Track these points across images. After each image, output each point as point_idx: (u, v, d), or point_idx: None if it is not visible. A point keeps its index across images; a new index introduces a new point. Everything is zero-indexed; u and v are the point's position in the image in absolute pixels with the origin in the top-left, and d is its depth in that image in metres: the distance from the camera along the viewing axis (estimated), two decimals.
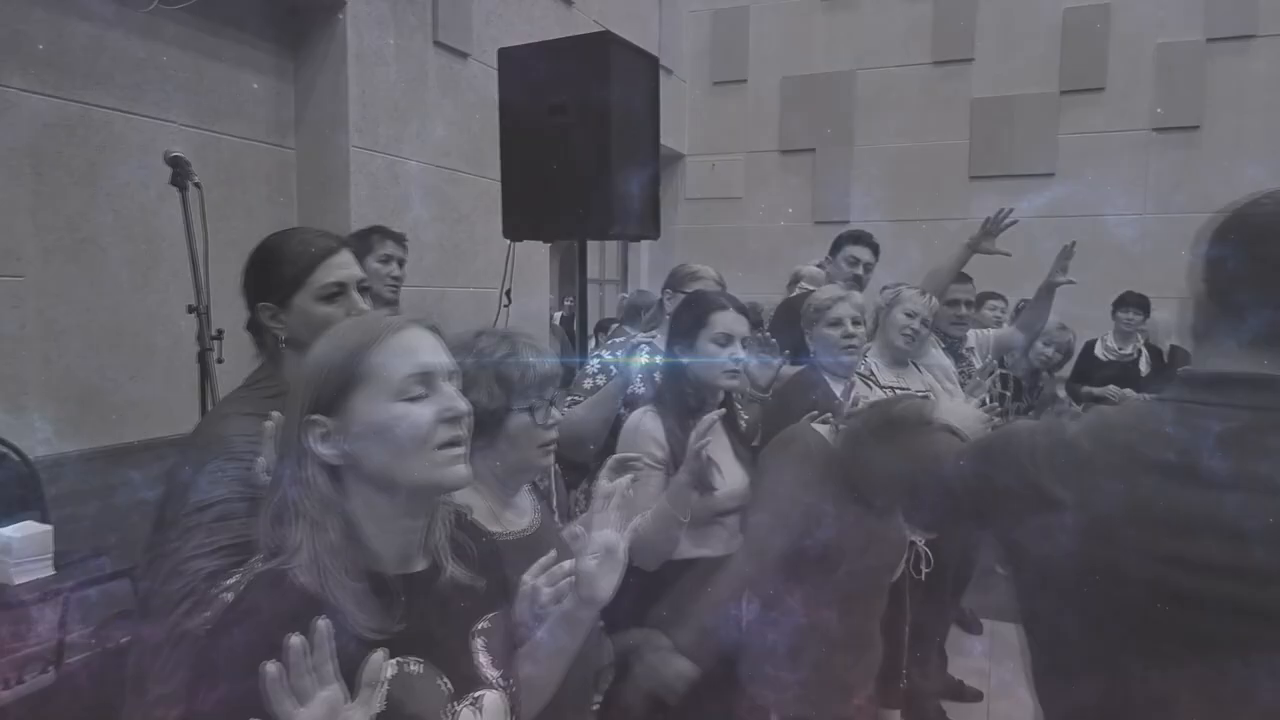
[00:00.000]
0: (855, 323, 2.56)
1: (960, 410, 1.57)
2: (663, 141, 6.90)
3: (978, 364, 3.47)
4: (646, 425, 2.02)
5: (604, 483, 1.47)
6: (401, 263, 3.00)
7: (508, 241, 3.08)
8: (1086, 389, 4.94)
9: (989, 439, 1.20)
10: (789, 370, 2.67)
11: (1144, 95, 6.26)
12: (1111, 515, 0.96)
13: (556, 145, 2.90)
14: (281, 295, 1.48)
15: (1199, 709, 0.96)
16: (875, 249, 3.66)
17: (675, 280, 2.75)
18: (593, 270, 6.55)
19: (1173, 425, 0.96)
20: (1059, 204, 6.36)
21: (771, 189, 7.15)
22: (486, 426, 1.39)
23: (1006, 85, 6.55)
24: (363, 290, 1.54)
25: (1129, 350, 5.00)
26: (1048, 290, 3.52)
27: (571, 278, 3.32)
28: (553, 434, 1.45)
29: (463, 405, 1.02)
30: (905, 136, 6.79)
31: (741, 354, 2.04)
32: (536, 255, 4.70)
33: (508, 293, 3.16)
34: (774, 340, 2.68)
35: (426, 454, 0.98)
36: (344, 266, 1.50)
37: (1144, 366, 4.96)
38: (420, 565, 1.05)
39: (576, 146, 2.86)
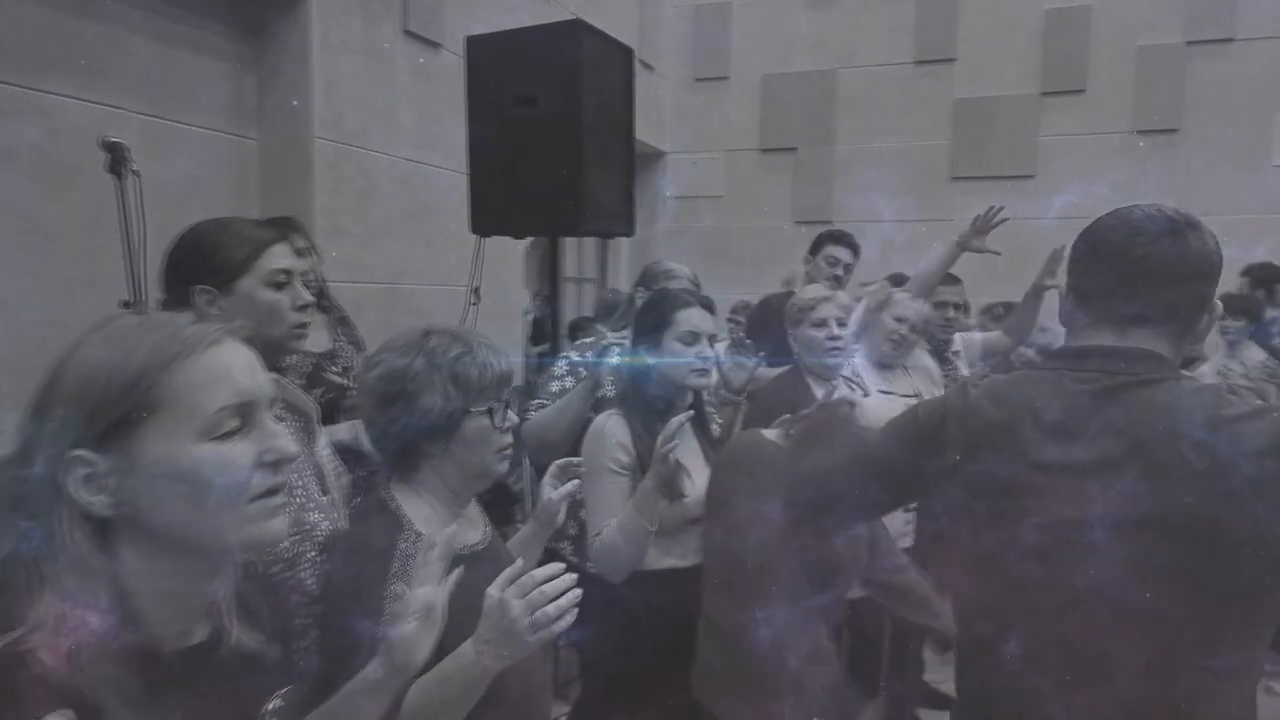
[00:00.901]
0: (840, 324, 2.50)
1: (885, 409, 1.55)
2: (644, 139, 6.83)
3: (964, 368, 3.41)
4: (611, 429, 1.94)
5: (549, 490, 1.38)
6: (306, 256, 2.59)
7: (477, 237, 2.99)
8: None
9: (900, 419, 1.33)
10: (766, 372, 2.61)
11: (1124, 98, 6.24)
12: (1007, 462, 1.18)
13: (527, 137, 2.81)
14: (223, 279, 1.38)
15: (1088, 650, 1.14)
16: (855, 249, 3.60)
17: (647, 278, 2.67)
18: (571, 268, 6.46)
19: (1049, 388, 1.21)
20: (1040, 206, 6.34)
21: (753, 188, 7.07)
22: (441, 431, 1.31)
23: (988, 86, 6.51)
24: (306, 286, 1.45)
25: None
26: (1036, 293, 3.47)
27: (550, 276, 3.22)
28: (509, 438, 1.37)
29: (292, 448, 0.82)
30: (887, 137, 6.73)
31: (709, 352, 1.97)
32: (512, 252, 4.60)
33: (476, 290, 3.06)
34: (749, 341, 2.60)
35: (239, 508, 0.77)
36: (290, 255, 1.42)
37: None
38: (200, 635, 0.83)
39: (547, 139, 2.78)
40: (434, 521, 1.31)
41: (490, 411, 1.33)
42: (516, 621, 1.10)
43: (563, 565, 1.17)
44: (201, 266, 1.38)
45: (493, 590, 1.13)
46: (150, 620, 0.76)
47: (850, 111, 6.83)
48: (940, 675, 3.59)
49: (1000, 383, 1.27)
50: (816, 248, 3.63)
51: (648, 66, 6.48)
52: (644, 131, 6.49)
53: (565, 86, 2.75)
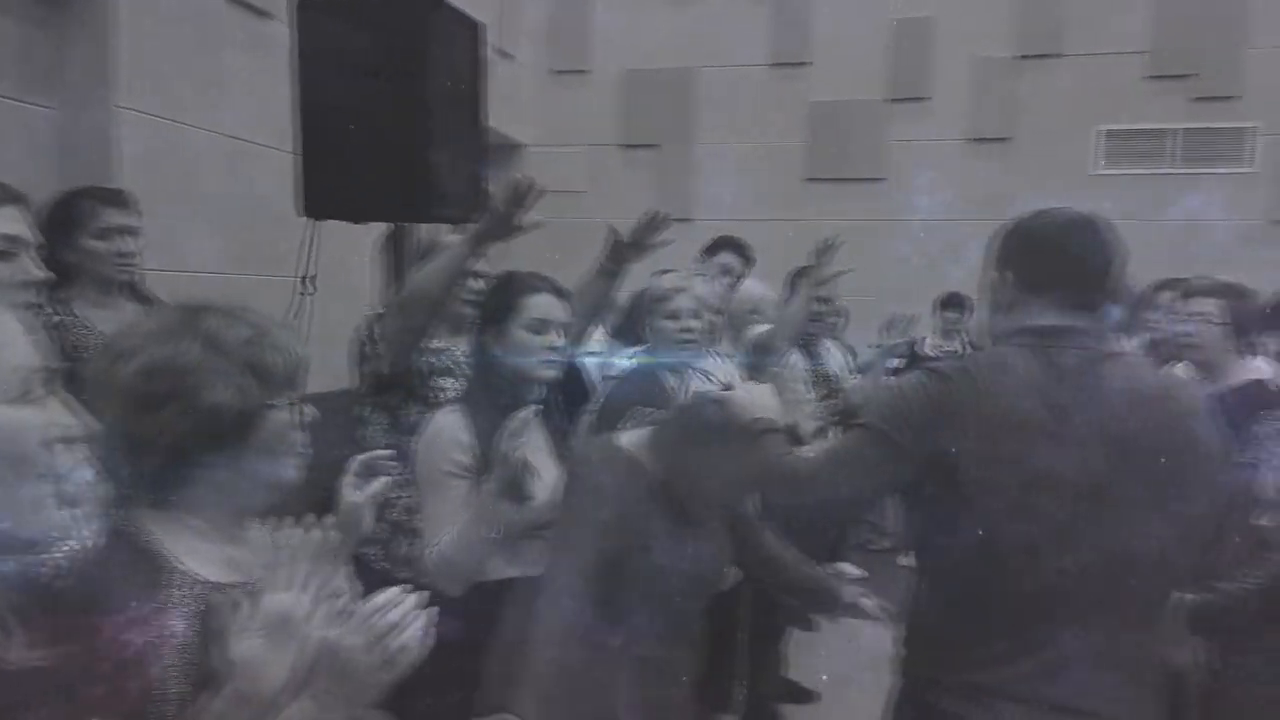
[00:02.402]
0: (695, 315, 2.42)
1: (759, 398, 1.49)
2: (502, 130, 6.59)
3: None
4: (449, 427, 1.76)
5: (351, 493, 1.20)
6: (134, 234, 2.33)
7: (309, 220, 2.73)
8: None
9: (883, 411, 1.37)
10: (626, 365, 2.52)
11: (964, 106, 6.55)
12: (996, 436, 1.27)
13: (365, 113, 2.59)
14: None
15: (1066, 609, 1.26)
16: (749, 259, 3.58)
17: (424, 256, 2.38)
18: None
19: (1027, 362, 1.32)
20: (889, 209, 6.58)
21: (615, 184, 6.99)
22: (230, 435, 1.05)
23: (841, 90, 6.69)
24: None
25: (954, 347, 5.19)
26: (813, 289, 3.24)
27: (395, 268, 2.99)
28: (307, 439, 1.17)
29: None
30: (746, 136, 6.80)
31: (559, 342, 1.83)
32: (363, 240, 4.31)
33: (310, 279, 2.80)
34: (612, 337, 2.49)
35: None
36: (16, 221, 1.17)
37: None
38: None
39: (388, 115, 2.57)
40: (212, 559, 1.05)
41: (294, 406, 1.12)
42: (356, 663, 0.93)
43: (399, 589, 1.00)
44: None
45: (312, 632, 0.95)
46: None
47: (710, 110, 6.86)
48: (798, 672, 3.60)
49: (989, 362, 1.36)
50: (710, 253, 3.58)
51: (505, 54, 6.26)
52: (501, 122, 6.27)
53: (408, 58, 2.55)
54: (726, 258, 3.51)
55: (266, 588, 0.92)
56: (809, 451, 1.50)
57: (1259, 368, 2.48)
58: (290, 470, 1.12)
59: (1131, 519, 1.27)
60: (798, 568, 1.93)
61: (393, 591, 0.99)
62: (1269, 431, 1.45)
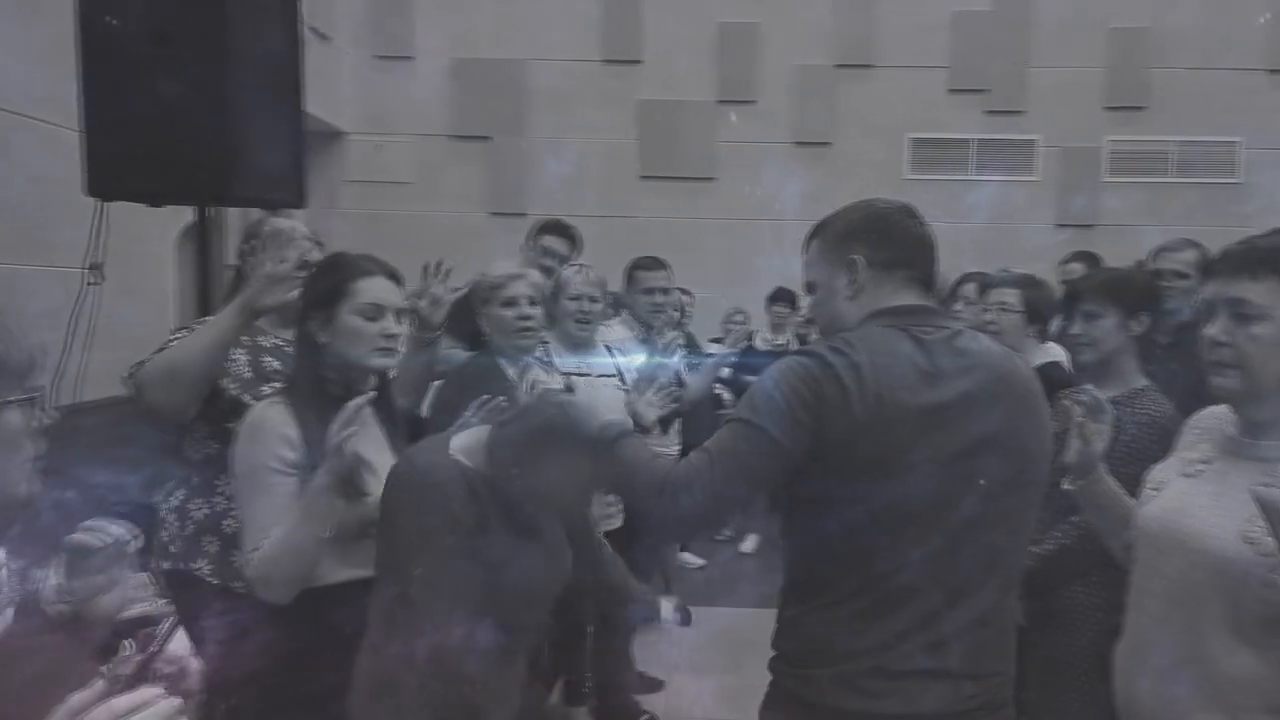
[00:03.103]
0: (532, 303, 2.34)
1: (603, 398, 1.45)
2: (321, 116, 6.22)
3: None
4: (272, 420, 1.60)
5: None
6: None
7: (97, 202, 2.43)
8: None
9: (767, 400, 1.32)
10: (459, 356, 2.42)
11: (787, 111, 6.82)
12: (906, 408, 1.28)
13: (160, 83, 2.33)
14: None
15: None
16: (574, 241, 3.49)
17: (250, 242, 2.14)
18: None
19: (898, 340, 1.34)
20: (720, 207, 6.75)
21: (444, 176, 6.77)
22: None
23: (672, 90, 6.79)
24: None
25: (783, 340, 5.38)
26: None
27: (201, 258, 2.71)
28: (42, 445, 0.97)
29: None
30: (578, 132, 6.77)
31: (395, 329, 1.71)
32: (168, 227, 3.92)
33: (97, 268, 2.49)
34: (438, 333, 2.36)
35: None
36: None
37: None
38: None
39: (187, 85, 2.32)
40: None
41: (30, 402, 0.93)
42: None
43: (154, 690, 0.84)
44: None
45: None
46: None
47: (542, 104, 6.78)
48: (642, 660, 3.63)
49: (863, 342, 1.33)
50: (533, 237, 3.48)
51: (321, 36, 5.91)
52: (321, 108, 5.92)
53: (207, 23, 2.32)
54: (550, 241, 3.44)
55: None
56: (671, 452, 1.45)
57: (1054, 351, 2.72)
58: (23, 483, 0.93)
59: (1002, 487, 1.31)
60: (625, 581, 1.94)
61: (146, 692, 0.83)
62: (1067, 407, 1.56)
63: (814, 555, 1.37)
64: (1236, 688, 1.23)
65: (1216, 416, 1.42)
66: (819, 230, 1.50)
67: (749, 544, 5.49)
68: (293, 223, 2.18)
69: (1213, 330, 1.29)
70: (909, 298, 1.41)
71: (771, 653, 1.43)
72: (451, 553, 1.45)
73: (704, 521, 1.44)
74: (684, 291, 4.77)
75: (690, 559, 5.05)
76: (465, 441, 1.59)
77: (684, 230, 6.51)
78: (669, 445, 3.17)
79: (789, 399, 1.28)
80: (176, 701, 0.81)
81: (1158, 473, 1.46)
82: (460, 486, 1.49)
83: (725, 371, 4.16)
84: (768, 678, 1.44)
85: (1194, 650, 1.27)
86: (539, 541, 1.62)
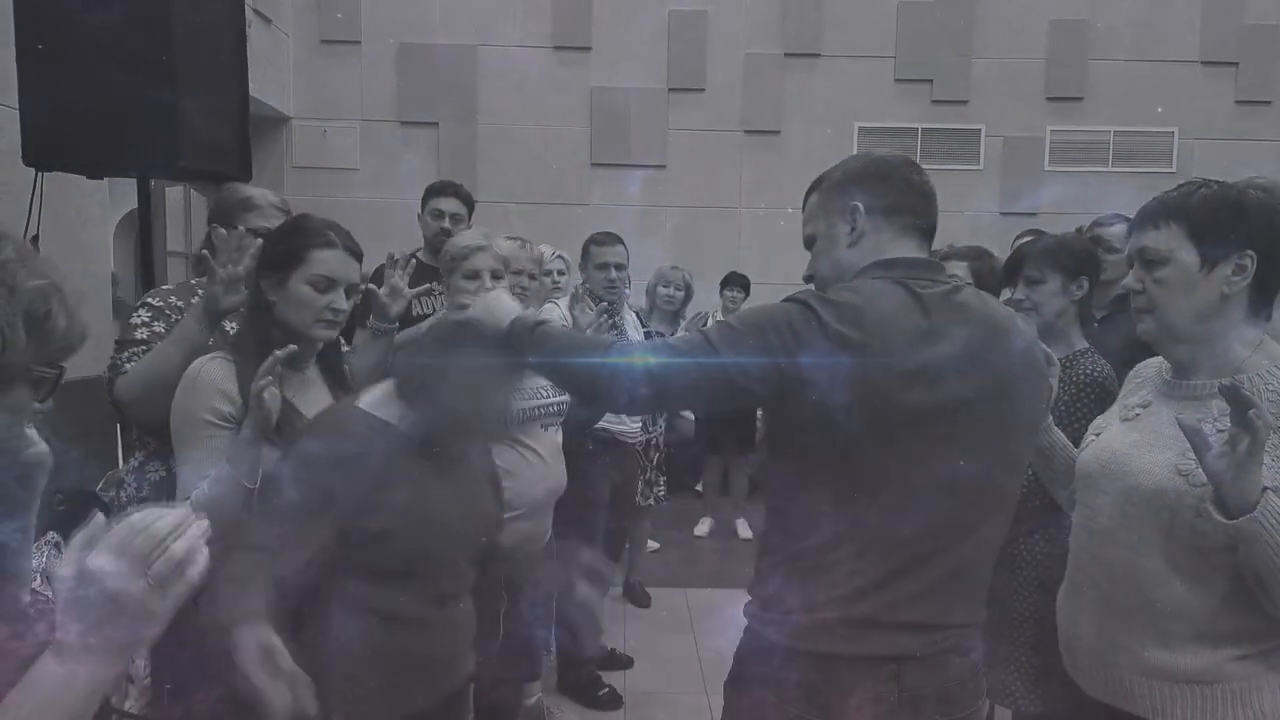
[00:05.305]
0: (495, 276, 2.34)
1: (500, 301, 1.44)
2: (265, 100, 6.10)
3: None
4: (212, 374, 1.58)
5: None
6: None
7: (34, 172, 2.36)
8: None
9: (754, 327, 1.28)
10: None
11: (736, 99, 6.87)
12: (878, 366, 1.25)
13: (99, 49, 2.27)
14: None
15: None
16: (466, 200, 3.52)
17: (220, 212, 2.14)
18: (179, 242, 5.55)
19: (899, 294, 1.31)
20: (670, 194, 6.78)
21: (392, 162, 6.66)
22: None
23: (622, 78, 6.79)
24: None
25: None
26: None
27: (141, 233, 2.64)
28: None
29: None
30: (529, 119, 6.73)
31: (344, 304, 1.69)
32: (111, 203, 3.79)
33: (33, 241, 2.42)
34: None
35: None
36: None
37: None
38: None
39: (127, 53, 2.27)
40: None
41: (47, 380, 0.91)
42: (126, 590, 0.77)
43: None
44: None
45: (64, 570, 0.78)
46: None
47: (491, 90, 6.72)
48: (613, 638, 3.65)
49: (860, 294, 1.31)
50: (425, 201, 3.48)
51: (264, 17, 5.78)
52: (265, 93, 5.80)
53: None
54: (440, 203, 3.43)
55: None
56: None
57: None
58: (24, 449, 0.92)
59: (1000, 438, 1.32)
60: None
61: (152, 510, 0.83)
62: None
63: (795, 503, 1.37)
64: (1170, 617, 1.28)
65: (1154, 366, 1.48)
66: (818, 183, 1.50)
67: (703, 527, 5.54)
68: (261, 190, 2.16)
69: (1129, 279, 1.39)
70: (909, 247, 1.39)
71: (746, 598, 1.43)
72: (364, 502, 1.45)
73: (656, 391, 1.31)
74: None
75: (649, 544, 5.10)
76: (373, 394, 1.60)
77: (635, 217, 6.52)
78: None
79: (779, 330, 1.25)
80: (204, 524, 0.85)
81: (1099, 421, 1.53)
82: (366, 435, 1.49)
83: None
84: (722, 653, 1.46)
85: (1130, 583, 1.33)
86: (455, 481, 1.62)
